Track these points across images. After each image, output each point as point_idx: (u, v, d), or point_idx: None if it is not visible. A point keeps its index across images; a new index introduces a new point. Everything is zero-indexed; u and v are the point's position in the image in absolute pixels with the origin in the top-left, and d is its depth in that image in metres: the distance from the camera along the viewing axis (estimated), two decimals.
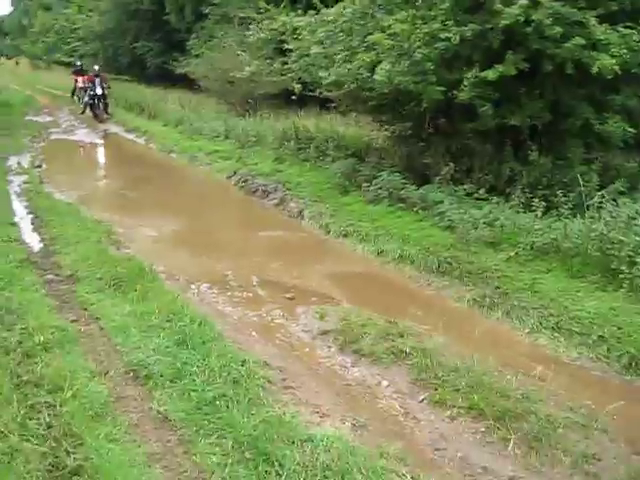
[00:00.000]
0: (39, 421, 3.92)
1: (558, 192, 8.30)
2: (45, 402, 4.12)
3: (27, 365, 4.64)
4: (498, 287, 7.16)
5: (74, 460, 3.58)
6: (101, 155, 17.38)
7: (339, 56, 10.19)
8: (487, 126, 9.43)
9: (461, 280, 7.55)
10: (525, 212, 8.31)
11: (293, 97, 13.86)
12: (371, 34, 9.52)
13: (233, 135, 15.95)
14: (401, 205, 9.70)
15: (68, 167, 14.95)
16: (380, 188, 10.13)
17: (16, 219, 9.18)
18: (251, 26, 16.79)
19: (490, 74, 8.56)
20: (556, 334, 6.23)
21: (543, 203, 8.15)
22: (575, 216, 7.81)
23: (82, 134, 19.85)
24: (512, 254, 7.60)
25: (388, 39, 9.15)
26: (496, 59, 8.89)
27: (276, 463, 3.66)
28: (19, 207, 10.08)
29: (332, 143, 12.69)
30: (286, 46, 12.86)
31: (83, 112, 23.52)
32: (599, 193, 7.75)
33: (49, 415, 4.00)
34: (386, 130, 12.41)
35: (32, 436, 3.74)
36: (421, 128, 10.91)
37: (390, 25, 9.17)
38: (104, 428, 3.97)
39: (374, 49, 9.57)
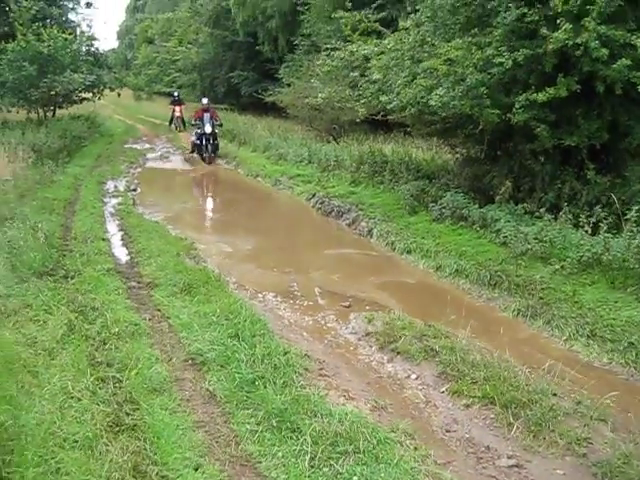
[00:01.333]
0: (106, 390, 4.73)
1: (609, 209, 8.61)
2: (113, 377, 4.93)
3: (102, 350, 5.47)
4: (542, 298, 7.58)
5: (131, 420, 4.34)
6: (191, 179, 18.41)
7: (399, 81, 10.83)
8: (544, 146, 9.83)
9: (509, 292, 8.00)
10: (577, 229, 8.64)
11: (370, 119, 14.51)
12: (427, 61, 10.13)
13: (315, 160, 16.70)
14: (462, 223, 10.20)
15: (160, 190, 16.05)
16: (444, 207, 10.65)
17: (108, 235, 10.17)
18: (322, 55, 17.67)
19: (540, 96, 9.00)
20: (590, 341, 6.63)
21: (592, 220, 8.48)
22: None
23: (176, 160, 21.02)
24: (558, 267, 7.99)
25: (443, 65, 9.73)
26: (550, 82, 9.32)
27: (297, 430, 4.30)
28: (112, 225, 11.12)
29: (405, 166, 13.30)
30: (351, 74, 13.63)
31: (192, 152, 20.67)
32: (636, 208, 8.04)
33: (115, 386, 4.80)
34: (455, 152, 12.94)
35: (100, 400, 4.53)
36: (485, 150, 11.35)
37: (447, 51, 9.74)
38: (160, 399, 4.73)
39: (432, 75, 10.15)
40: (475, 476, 4.27)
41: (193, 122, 20.72)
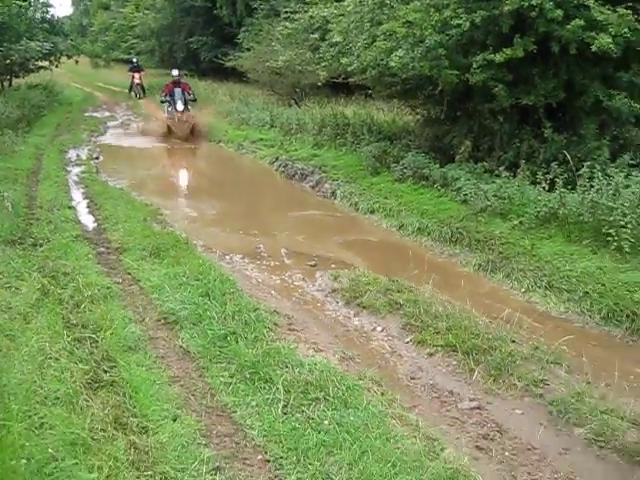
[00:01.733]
0: (83, 350, 4.87)
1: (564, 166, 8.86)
2: (89, 337, 5.07)
3: (76, 313, 5.60)
4: (501, 252, 7.85)
5: (109, 377, 4.50)
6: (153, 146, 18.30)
7: (359, 44, 10.96)
8: (502, 106, 10.07)
9: (470, 248, 8.27)
10: (535, 186, 8.89)
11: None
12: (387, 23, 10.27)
13: (278, 124, 16.79)
14: (423, 183, 10.43)
15: (122, 158, 15.99)
16: (406, 167, 10.87)
17: (73, 203, 10.20)
18: (281, 18, 17.69)
19: (497, 57, 9.21)
20: (548, 292, 6.92)
21: (549, 177, 8.73)
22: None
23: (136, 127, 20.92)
24: (516, 223, 8.27)
25: (402, 27, 9.87)
26: (507, 43, 9.52)
27: (269, 380, 4.51)
28: (76, 193, 11.13)
29: (367, 128, 13.46)
30: (311, 37, 13.73)
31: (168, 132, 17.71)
32: (587, 164, 8.35)
33: (91, 346, 4.95)
34: (415, 114, 13.13)
35: (78, 359, 4.68)
36: (445, 111, 11.55)
37: (405, 14, 9.87)
38: (135, 357, 4.89)
39: (392, 37, 10.29)
40: (439, 418, 4.52)
41: (163, 99, 18.51)
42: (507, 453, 4.17)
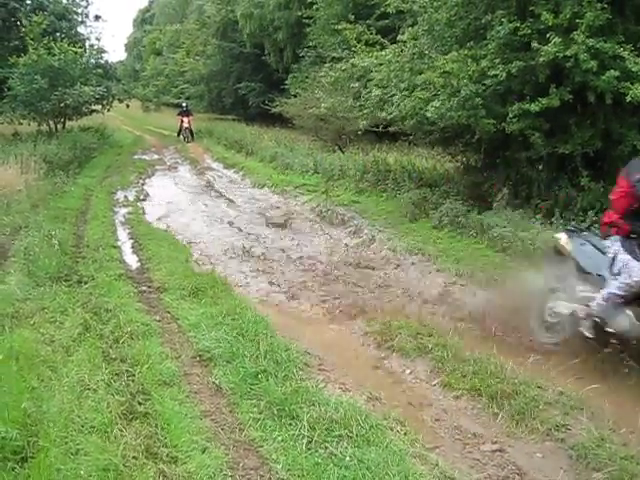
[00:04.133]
0: (120, 383, 5.12)
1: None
2: (126, 371, 5.32)
3: (115, 347, 5.86)
4: None
5: (144, 409, 4.73)
6: (199, 189, 18.68)
7: (396, 96, 11.25)
8: (539, 154, 10.22)
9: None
10: None
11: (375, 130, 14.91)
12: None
13: (321, 169, 17.07)
14: (461, 230, 10.56)
15: (168, 198, 16.38)
16: (444, 214, 11.02)
17: (118, 243, 10.57)
18: (325, 66, 18.09)
19: (533, 106, 9.40)
20: None
21: (585, 225, 8.80)
22: None
23: (184, 170, 21.44)
24: None
25: (440, 77, 10.13)
26: (543, 92, 9.72)
27: (296, 417, 4.68)
28: (122, 233, 11.52)
29: (407, 175, 13.69)
30: (353, 85, 14.07)
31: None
32: None
33: (128, 379, 5.20)
34: (455, 161, 13.33)
35: (114, 391, 4.92)
36: (483, 158, 11.73)
37: (443, 64, 10.14)
38: (169, 391, 5.12)
39: (430, 87, 10.55)
40: (460, 459, 4.62)
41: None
42: None
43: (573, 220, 9.00)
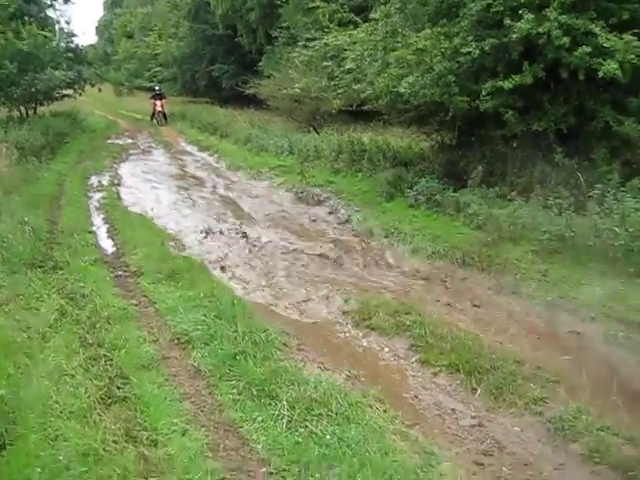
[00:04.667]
0: (98, 368, 5.10)
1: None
2: (104, 355, 5.30)
3: (92, 332, 5.83)
4: (514, 276, 7.95)
5: (122, 393, 4.71)
6: (173, 173, 18.54)
7: (372, 70, 11.21)
8: (513, 132, 10.23)
9: (481, 271, 8.37)
10: (546, 210, 9.01)
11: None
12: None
13: (296, 150, 17.02)
14: (437, 208, 10.58)
15: (143, 184, 16.26)
16: (419, 193, 11.04)
17: (93, 228, 10.50)
18: (298, 46, 17.99)
19: (506, 83, 9.40)
20: (554, 311, 7.00)
21: (560, 201, 8.85)
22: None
23: (158, 154, 21.27)
24: (528, 247, 8.41)
25: (413, 55, 10.11)
26: (517, 69, 9.71)
27: (275, 397, 4.68)
28: (97, 218, 11.44)
29: (382, 154, 13.68)
30: (326, 64, 14.01)
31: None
32: (598, 186, 8.45)
33: (106, 364, 5.17)
34: (430, 140, 13.34)
35: (92, 376, 4.90)
36: (457, 136, 11.74)
37: (416, 41, 10.10)
38: (148, 375, 5.12)
39: (403, 64, 10.52)
40: (440, 434, 4.66)
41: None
42: (504, 468, 4.29)
43: (548, 197, 9.02)
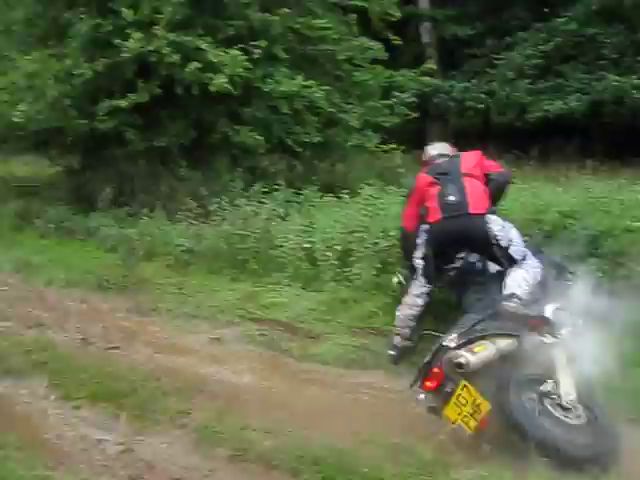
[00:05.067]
0: None
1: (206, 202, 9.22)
2: None
3: None
4: (150, 293, 7.95)
5: None
6: None
7: None
8: (137, 150, 10.28)
9: (119, 293, 8.23)
10: (175, 224, 9.17)
11: None
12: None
13: None
14: (69, 235, 10.25)
15: None
16: (49, 222, 10.59)
17: None
18: None
19: (123, 102, 9.41)
20: (193, 322, 7.14)
21: (189, 214, 9.07)
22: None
23: None
24: (162, 263, 8.50)
25: (23, 79, 9.67)
26: (134, 88, 9.77)
27: None
28: None
29: (6, 185, 12.91)
30: None
31: None
32: (215, 199, 8.86)
33: None
34: (57, 165, 12.89)
35: None
36: (82, 160, 11.50)
37: (25, 64, 9.68)
38: None
39: (14, 89, 10.02)
40: (87, 469, 4.44)
41: None
42: None
43: (177, 211, 9.19)
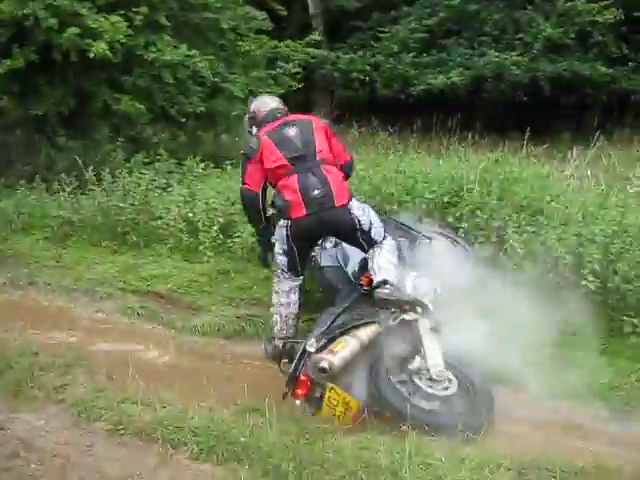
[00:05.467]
0: None
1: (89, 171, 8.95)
2: None
3: None
4: (28, 267, 7.74)
5: None
6: None
7: None
8: (13, 118, 9.91)
9: None
10: (54, 195, 8.91)
11: None
12: None
13: None
14: None
15: None
16: None
17: None
18: None
19: None
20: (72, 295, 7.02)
21: (68, 185, 8.79)
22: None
23: None
24: (40, 236, 8.28)
25: None
26: (8, 53, 9.37)
27: None
28: None
29: None
30: None
31: None
32: (91, 168, 8.60)
33: None
34: None
35: None
36: None
37: None
38: None
39: None
40: None
41: None
42: (33, 466, 4.18)
43: (56, 181, 8.91)
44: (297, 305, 5.22)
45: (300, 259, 5.11)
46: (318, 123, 5.26)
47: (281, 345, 5.15)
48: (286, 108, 5.52)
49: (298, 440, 4.08)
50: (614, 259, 5.54)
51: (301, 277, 5.22)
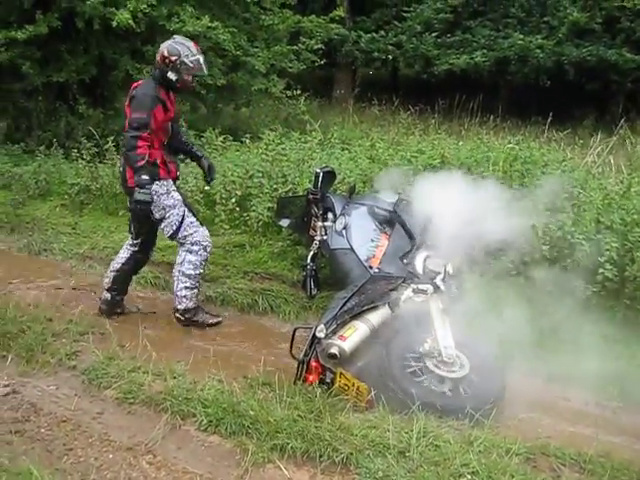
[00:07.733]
0: None
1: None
2: None
3: None
4: (46, 232, 7.76)
5: None
6: None
7: None
8: (34, 85, 9.89)
9: (12, 232, 8.00)
10: (73, 163, 8.92)
11: None
12: None
13: None
14: None
15: None
16: None
17: None
18: None
19: (20, 34, 9.00)
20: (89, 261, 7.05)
21: (87, 153, 8.79)
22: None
23: None
24: (57, 202, 8.29)
25: None
26: (31, 19, 9.34)
27: None
28: None
29: None
30: None
31: None
32: (111, 138, 8.60)
33: None
34: None
35: None
36: None
37: None
38: None
39: None
40: None
41: None
42: (43, 430, 4.20)
43: (75, 149, 8.91)
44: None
45: None
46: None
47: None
48: None
49: (307, 416, 4.07)
50: (632, 247, 5.47)
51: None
